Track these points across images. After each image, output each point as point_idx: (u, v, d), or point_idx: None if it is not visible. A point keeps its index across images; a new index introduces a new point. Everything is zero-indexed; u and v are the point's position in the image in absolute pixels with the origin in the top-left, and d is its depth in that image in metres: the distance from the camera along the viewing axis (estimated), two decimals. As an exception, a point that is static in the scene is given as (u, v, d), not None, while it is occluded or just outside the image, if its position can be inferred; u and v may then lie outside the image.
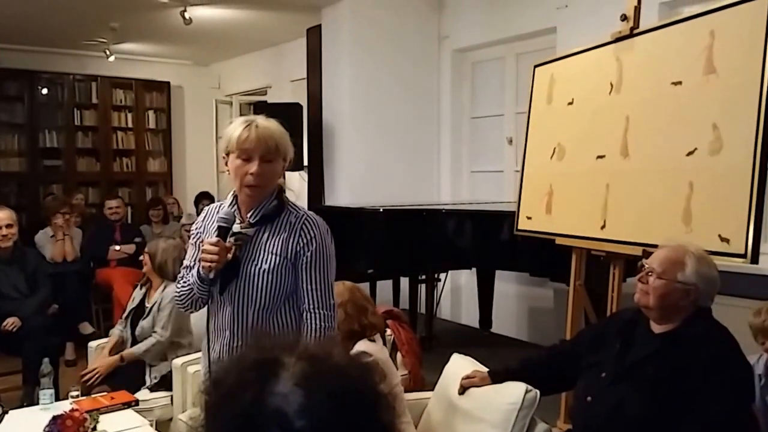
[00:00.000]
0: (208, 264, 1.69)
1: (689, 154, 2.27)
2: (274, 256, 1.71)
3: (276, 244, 1.72)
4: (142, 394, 2.83)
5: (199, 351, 2.40)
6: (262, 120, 1.73)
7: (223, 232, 1.73)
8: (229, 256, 1.72)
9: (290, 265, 1.73)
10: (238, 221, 1.75)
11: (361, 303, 2.25)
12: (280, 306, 1.75)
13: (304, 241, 1.72)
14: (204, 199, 6.28)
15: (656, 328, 1.81)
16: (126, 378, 2.90)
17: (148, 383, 2.96)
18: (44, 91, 6.94)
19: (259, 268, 1.72)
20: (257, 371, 0.63)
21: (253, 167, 1.68)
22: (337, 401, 0.62)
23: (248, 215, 1.75)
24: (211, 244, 1.69)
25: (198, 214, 5.85)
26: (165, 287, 3.05)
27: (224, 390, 0.64)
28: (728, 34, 2.21)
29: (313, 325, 1.73)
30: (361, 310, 2.23)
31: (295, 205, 1.81)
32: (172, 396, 2.89)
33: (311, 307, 1.74)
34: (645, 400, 1.70)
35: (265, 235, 1.74)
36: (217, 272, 1.72)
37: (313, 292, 1.73)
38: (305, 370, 0.63)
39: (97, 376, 2.97)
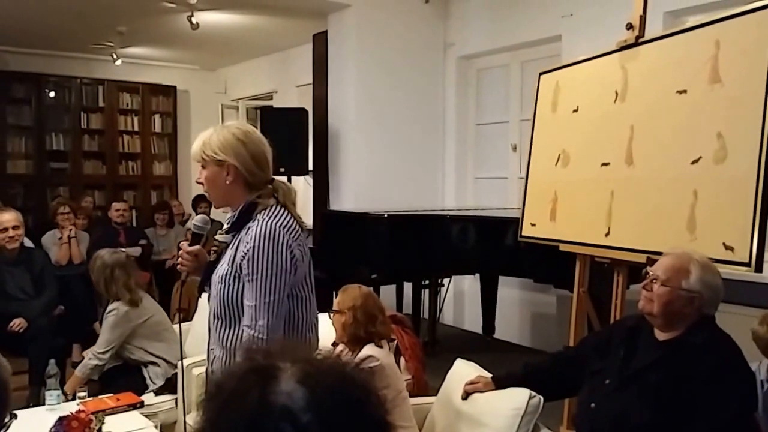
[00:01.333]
0: (179, 266, 1.82)
1: (694, 162, 2.28)
2: (225, 265, 1.68)
3: (231, 253, 1.69)
4: (147, 398, 2.83)
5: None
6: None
7: (194, 237, 1.83)
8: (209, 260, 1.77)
9: (238, 276, 1.64)
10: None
11: (372, 311, 2.24)
12: (237, 322, 1.65)
13: (244, 251, 1.63)
14: (202, 201, 6.19)
15: (660, 336, 1.81)
16: (124, 384, 2.87)
17: (150, 387, 2.97)
18: (51, 94, 6.99)
19: (215, 276, 1.71)
20: (256, 375, 0.64)
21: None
22: (340, 395, 0.64)
23: None
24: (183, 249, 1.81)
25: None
26: (108, 302, 3.06)
27: (226, 395, 0.65)
28: (734, 44, 2.22)
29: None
30: (370, 318, 2.22)
31: (269, 213, 1.66)
32: (176, 399, 2.90)
33: (243, 322, 1.62)
34: (648, 407, 1.71)
35: (233, 244, 1.72)
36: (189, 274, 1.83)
37: (247, 307, 1.62)
38: (304, 369, 0.65)
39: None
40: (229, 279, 1.65)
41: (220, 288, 1.67)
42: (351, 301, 2.23)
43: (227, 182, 1.67)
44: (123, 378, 2.98)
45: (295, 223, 1.69)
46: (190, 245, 1.81)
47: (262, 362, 0.66)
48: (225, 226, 1.76)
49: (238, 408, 0.63)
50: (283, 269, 1.61)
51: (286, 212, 1.69)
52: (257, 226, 1.63)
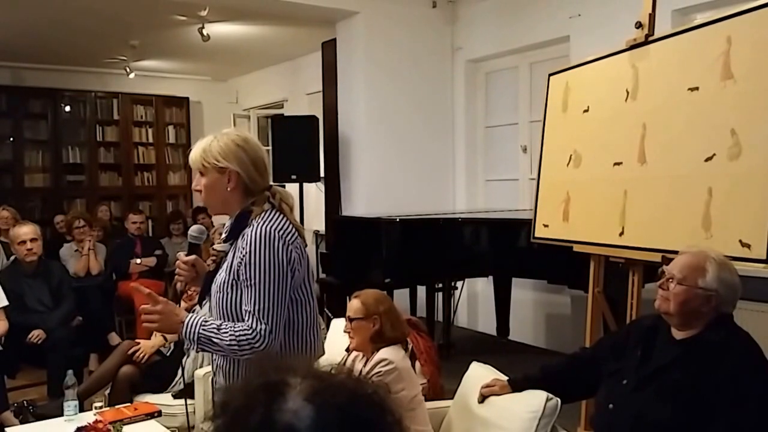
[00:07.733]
0: (176, 276, 1.81)
1: (708, 159, 2.26)
2: (224, 273, 1.67)
3: (228, 261, 1.68)
4: (165, 399, 2.88)
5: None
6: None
7: (190, 247, 1.83)
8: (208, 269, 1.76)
9: (236, 283, 1.63)
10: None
11: (396, 312, 2.27)
12: None
13: (240, 255, 1.61)
14: (201, 212, 5.95)
15: (677, 335, 1.79)
16: (160, 371, 3.13)
17: (176, 382, 3.06)
18: (67, 108, 7.11)
19: (214, 286, 1.69)
20: (264, 392, 0.63)
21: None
22: (348, 414, 0.62)
23: None
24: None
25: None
26: None
27: (231, 412, 0.64)
28: (745, 40, 2.20)
29: (237, 327, 1.57)
30: (397, 318, 2.24)
31: (263, 218, 1.65)
32: (194, 405, 2.93)
33: (247, 316, 1.59)
34: (667, 406, 1.69)
35: (230, 252, 1.70)
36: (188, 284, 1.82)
37: (245, 313, 1.59)
38: (313, 386, 0.63)
39: (142, 354, 3.18)
40: (227, 287, 1.64)
41: (219, 297, 1.65)
42: (376, 305, 2.22)
43: (228, 189, 1.66)
44: (162, 366, 3.17)
45: (291, 226, 1.66)
46: (187, 255, 1.79)
47: (271, 377, 0.65)
48: (222, 235, 1.75)
49: (242, 426, 0.61)
50: (280, 272, 1.59)
51: (282, 216, 1.67)
52: (252, 231, 1.61)
